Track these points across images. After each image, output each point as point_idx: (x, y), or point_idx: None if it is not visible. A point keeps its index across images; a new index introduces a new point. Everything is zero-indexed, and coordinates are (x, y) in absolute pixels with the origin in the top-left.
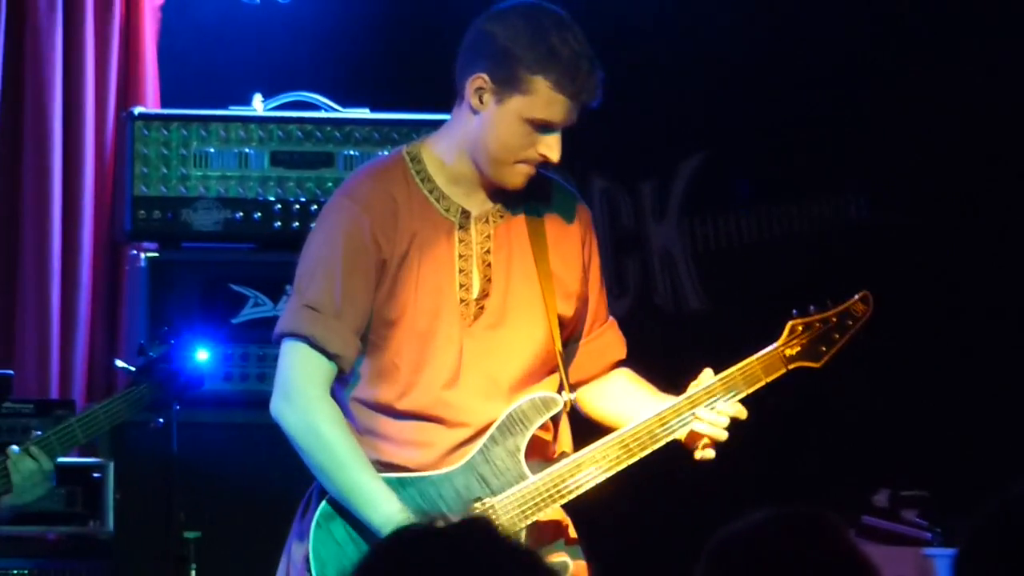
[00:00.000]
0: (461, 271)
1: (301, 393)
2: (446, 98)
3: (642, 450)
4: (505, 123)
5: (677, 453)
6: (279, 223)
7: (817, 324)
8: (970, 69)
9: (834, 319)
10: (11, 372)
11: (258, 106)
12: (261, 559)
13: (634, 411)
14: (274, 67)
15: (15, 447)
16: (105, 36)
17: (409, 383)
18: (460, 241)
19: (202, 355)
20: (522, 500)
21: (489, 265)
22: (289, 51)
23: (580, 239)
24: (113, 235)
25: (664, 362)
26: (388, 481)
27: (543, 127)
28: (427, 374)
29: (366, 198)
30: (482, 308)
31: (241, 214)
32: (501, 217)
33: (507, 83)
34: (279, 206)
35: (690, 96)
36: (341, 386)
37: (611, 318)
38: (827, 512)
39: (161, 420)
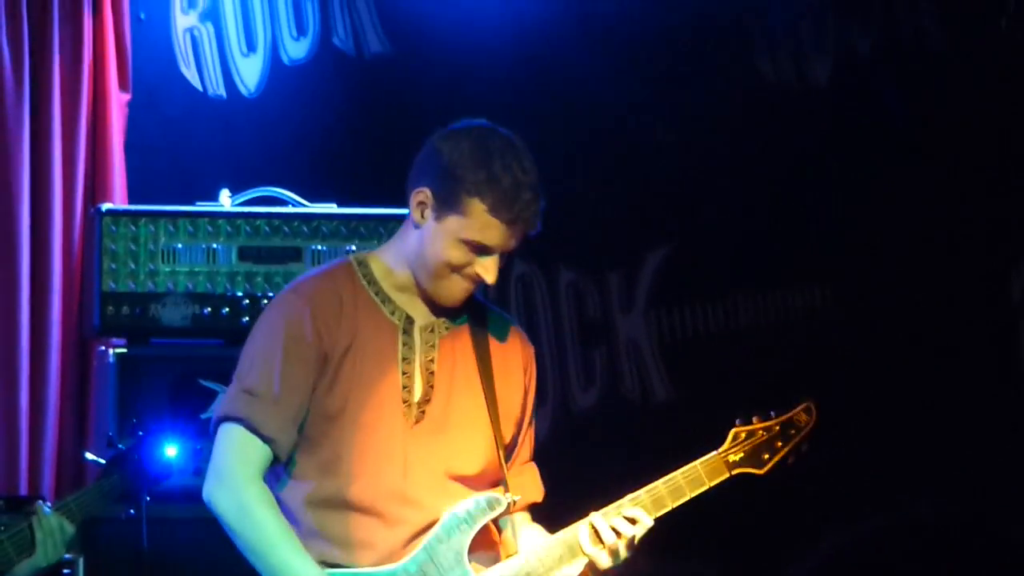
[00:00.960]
0: (404, 373)
1: (233, 475)
2: None
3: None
4: (442, 240)
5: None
6: (247, 318)
7: (760, 432)
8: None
9: (776, 428)
10: None
11: (225, 201)
12: None
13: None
14: (241, 162)
15: (46, 508)
16: (72, 131)
17: (356, 473)
18: (404, 344)
19: (171, 451)
20: None
21: (432, 373)
22: (256, 146)
23: (523, 369)
24: (81, 331)
25: (631, 452)
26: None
27: (479, 249)
28: (374, 463)
29: (310, 291)
30: (423, 412)
31: (209, 309)
32: (447, 329)
33: (446, 202)
34: (247, 301)
35: (657, 187)
36: (286, 489)
37: (532, 462)
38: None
39: (132, 511)
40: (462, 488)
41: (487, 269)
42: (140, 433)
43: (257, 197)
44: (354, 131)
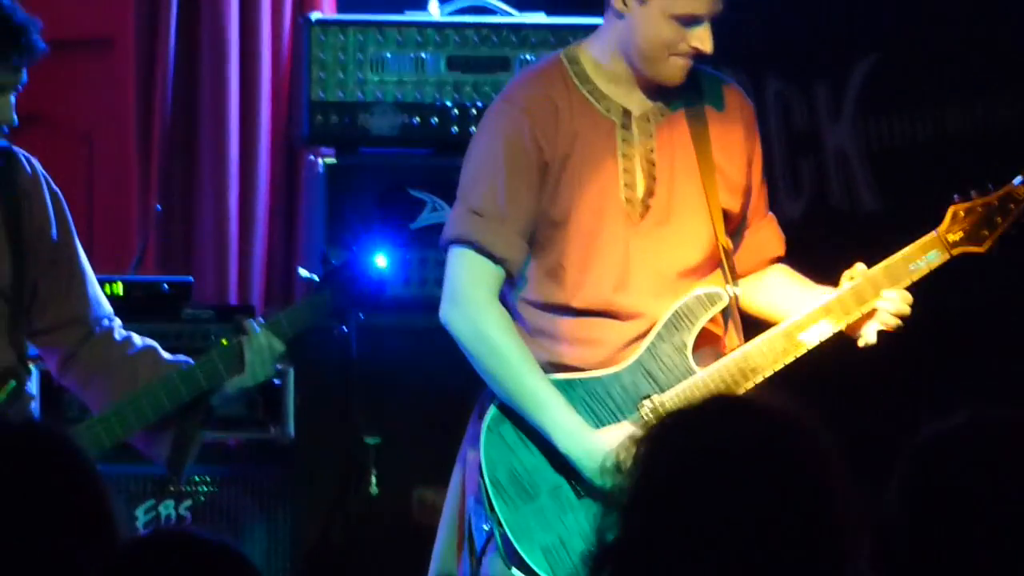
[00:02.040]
0: (625, 170)
1: (469, 299)
2: None
3: (807, 342)
4: (651, 22)
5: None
6: (456, 128)
7: (979, 208)
8: None
9: (995, 202)
10: (191, 278)
11: (434, 11)
12: (440, 464)
13: (793, 305)
14: None
15: (256, 326)
16: None
17: (576, 283)
18: (623, 140)
19: (381, 261)
20: (690, 395)
21: (653, 164)
22: None
23: (743, 131)
24: (290, 141)
25: (839, 262)
26: (556, 383)
27: (689, 21)
28: (594, 274)
29: (525, 101)
30: (648, 206)
31: (418, 118)
32: (662, 115)
33: None
34: (456, 110)
35: None
36: (510, 288)
37: (770, 214)
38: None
39: (344, 327)
40: (687, 282)
41: (702, 40)
42: (353, 248)
43: (466, 7)
44: None
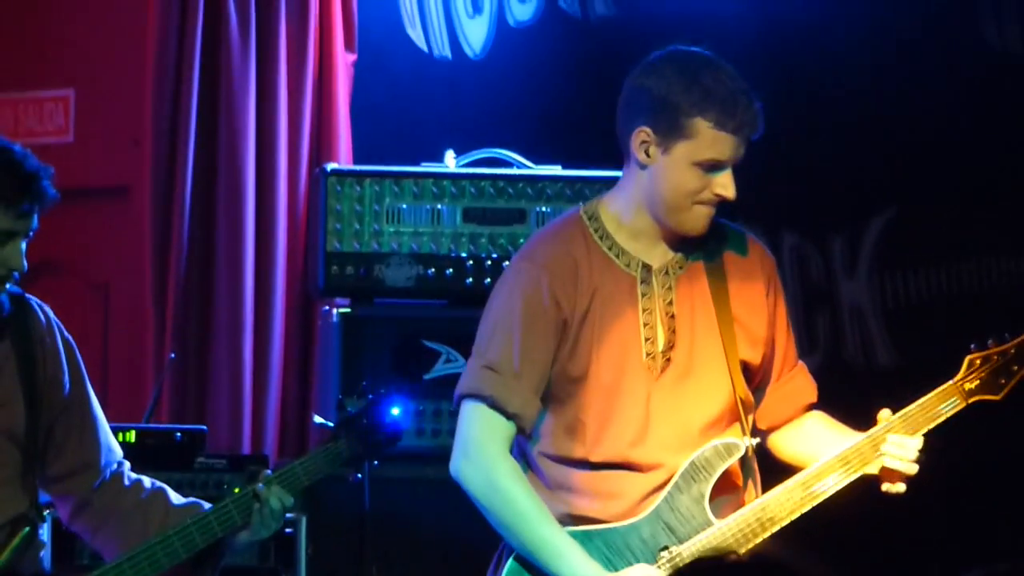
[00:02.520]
0: (646, 324)
1: (481, 451)
2: None
3: (824, 492)
4: (676, 171)
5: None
6: (471, 279)
7: (995, 357)
8: None
9: (1012, 351)
10: (204, 427)
11: (450, 162)
12: None
13: (824, 452)
14: (466, 123)
15: (260, 484)
16: (298, 91)
17: (596, 439)
18: (643, 295)
19: (395, 411)
20: (709, 547)
21: (673, 317)
22: (481, 107)
23: (764, 284)
24: (306, 291)
25: (854, 418)
26: (574, 534)
27: (712, 167)
28: (614, 429)
29: (544, 258)
30: (668, 360)
31: (433, 270)
32: (681, 268)
33: (670, 132)
34: (471, 262)
35: (881, 150)
36: (527, 442)
37: (800, 362)
38: None
39: (359, 475)
40: (708, 436)
41: (725, 186)
42: (370, 396)
43: (482, 158)
44: (580, 93)
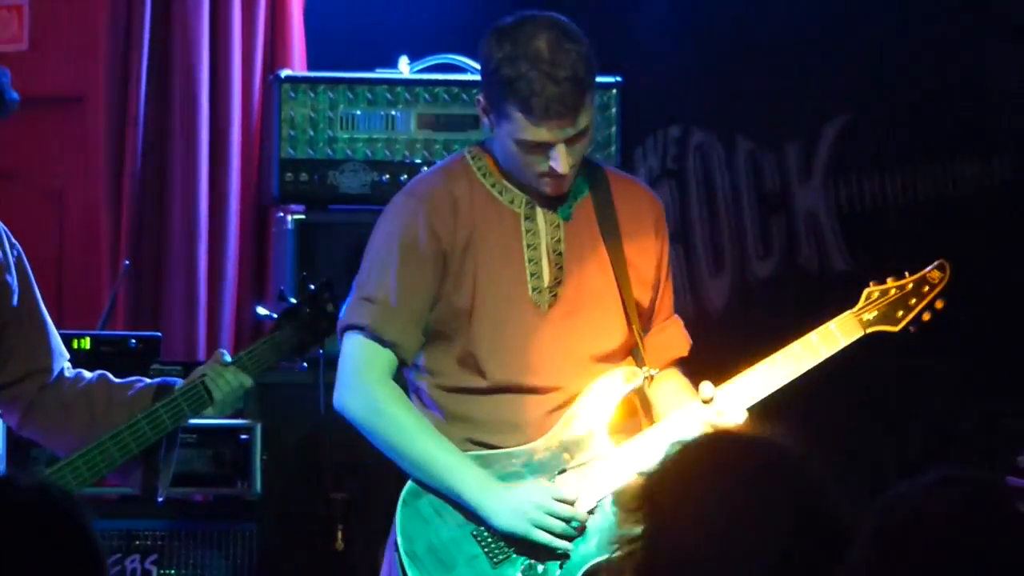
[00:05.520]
0: (531, 260)
1: (361, 379)
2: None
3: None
4: (507, 144)
5: None
6: None
7: (893, 290)
8: None
9: (909, 286)
10: (159, 334)
11: (404, 69)
12: None
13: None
14: (420, 29)
15: (226, 356)
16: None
17: (489, 367)
18: (527, 231)
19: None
20: (603, 471)
21: (560, 254)
22: (435, 13)
23: (653, 228)
24: (260, 198)
25: (808, 321)
26: (472, 458)
27: (536, 147)
28: (506, 357)
29: (423, 193)
30: (555, 296)
31: (388, 176)
32: (570, 208)
33: (494, 109)
34: (426, 168)
35: (835, 57)
36: (420, 380)
37: (676, 315)
38: (996, 479)
39: (304, 364)
40: (602, 366)
41: (556, 161)
42: (311, 287)
43: (436, 64)
44: None
